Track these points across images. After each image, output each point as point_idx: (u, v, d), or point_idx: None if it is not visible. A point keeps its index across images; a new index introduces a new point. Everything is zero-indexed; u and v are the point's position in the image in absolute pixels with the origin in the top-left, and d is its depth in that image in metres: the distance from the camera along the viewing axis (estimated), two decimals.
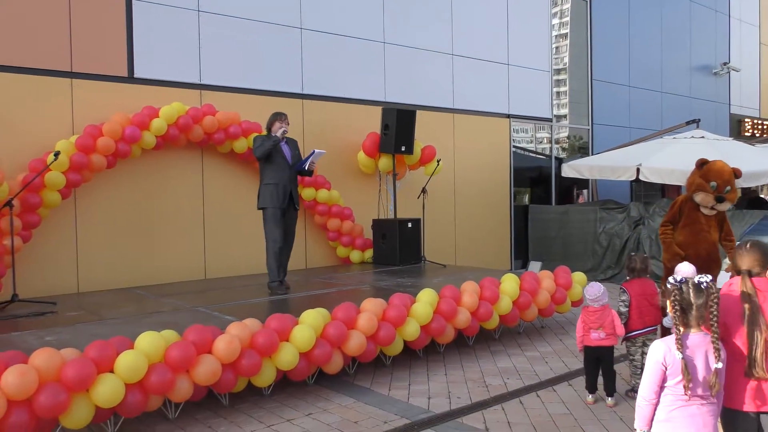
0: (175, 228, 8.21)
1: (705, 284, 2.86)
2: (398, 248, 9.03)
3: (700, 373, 2.79)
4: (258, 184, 7.20)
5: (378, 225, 9.40)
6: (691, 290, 2.85)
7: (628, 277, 5.39)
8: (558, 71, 13.63)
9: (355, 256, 9.50)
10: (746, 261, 3.05)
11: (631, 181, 13.05)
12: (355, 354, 5.56)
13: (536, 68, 12.69)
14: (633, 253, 5.59)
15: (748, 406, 2.94)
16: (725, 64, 17.70)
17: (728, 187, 6.26)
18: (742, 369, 2.99)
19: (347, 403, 5.24)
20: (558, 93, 13.76)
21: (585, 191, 14.18)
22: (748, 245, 3.11)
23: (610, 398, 5.11)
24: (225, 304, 6.37)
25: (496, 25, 11.90)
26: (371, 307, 5.75)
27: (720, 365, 2.78)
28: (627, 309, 5.16)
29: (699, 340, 2.83)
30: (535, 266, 11.37)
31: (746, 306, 2.94)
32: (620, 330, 5.09)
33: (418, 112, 9.82)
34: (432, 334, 6.21)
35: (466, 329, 6.53)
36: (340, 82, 9.70)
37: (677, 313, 2.85)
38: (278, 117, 7.16)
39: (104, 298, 6.99)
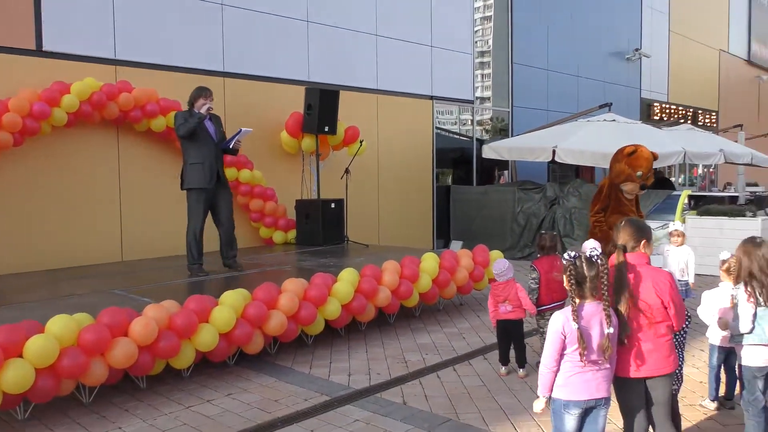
0: (90, 209, 7.93)
1: (596, 257, 3.08)
2: (321, 229, 9.06)
3: (595, 340, 3.02)
4: (180, 163, 7.01)
5: (301, 205, 9.40)
6: (584, 264, 3.07)
7: (538, 255, 5.65)
8: (481, 54, 13.89)
9: (279, 236, 9.47)
10: (621, 237, 3.35)
11: (548, 162, 13.52)
12: (276, 334, 5.60)
13: (459, 51, 12.89)
14: (543, 232, 5.85)
15: (632, 372, 3.19)
16: (637, 50, 18.47)
17: (650, 174, 6.63)
18: (624, 338, 3.25)
19: (268, 382, 5.28)
20: (481, 75, 14.04)
21: (506, 172, 14.60)
22: (623, 223, 3.42)
23: (521, 369, 5.37)
24: (143, 286, 6.25)
25: (420, 6, 12.00)
26: (292, 287, 5.78)
27: (611, 330, 3.02)
28: (537, 286, 5.41)
29: (593, 310, 3.06)
30: (456, 245, 11.66)
31: (616, 277, 3.19)
32: (527, 304, 5.33)
33: (342, 93, 9.83)
34: (353, 312, 6.31)
35: (386, 307, 6.67)
36: (262, 61, 9.57)
37: (573, 286, 3.05)
38: (202, 93, 6.83)
39: (16, 281, 6.71)
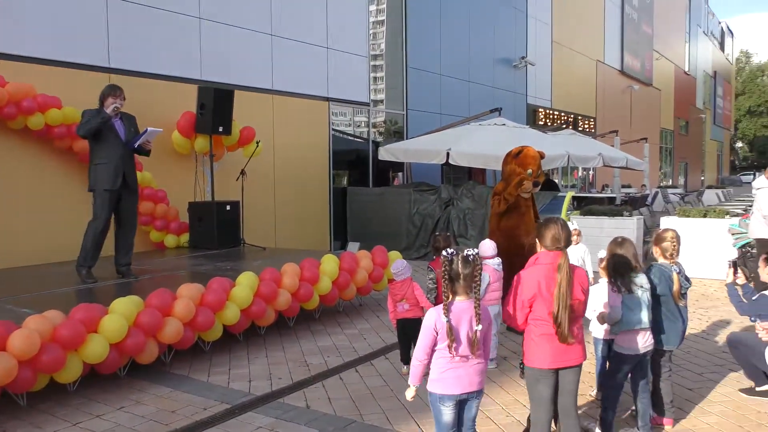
0: None
1: (471, 257, 3.21)
2: (216, 231, 8.79)
3: (465, 336, 3.16)
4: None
5: (194, 208, 9.08)
6: (460, 262, 3.18)
7: (434, 256, 5.76)
8: (375, 57, 14.02)
9: (171, 240, 9.09)
10: (563, 237, 3.55)
11: (442, 165, 13.86)
12: (171, 342, 5.36)
13: (355, 53, 12.95)
14: (437, 233, 5.99)
15: (548, 364, 3.39)
16: (523, 58, 19.36)
17: (540, 171, 6.92)
18: (542, 332, 3.42)
19: (164, 392, 5.05)
20: (375, 78, 14.17)
21: (400, 174, 14.82)
22: (560, 222, 3.60)
23: None
24: (23, 296, 5.79)
25: (316, 8, 11.94)
26: (188, 292, 5.56)
27: (480, 327, 3.17)
28: (434, 286, 5.51)
29: (465, 307, 3.20)
30: (353, 247, 11.69)
31: (564, 278, 3.41)
32: (424, 302, 5.43)
33: (237, 93, 9.60)
34: (252, 317, 6.16)
35: (286, 311, 6.56)
36: (152, 58, 9.15)
37: (446, 282, 3.16)
38: (112, 91, 6.45)
39: None
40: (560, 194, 11.73)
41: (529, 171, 6.78)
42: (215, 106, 8.99)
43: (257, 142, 9.73)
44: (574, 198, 13.15)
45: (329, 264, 7.02)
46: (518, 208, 6.86)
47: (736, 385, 5.23)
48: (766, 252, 5.09)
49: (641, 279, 4.18)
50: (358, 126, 13.83)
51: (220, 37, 10.13)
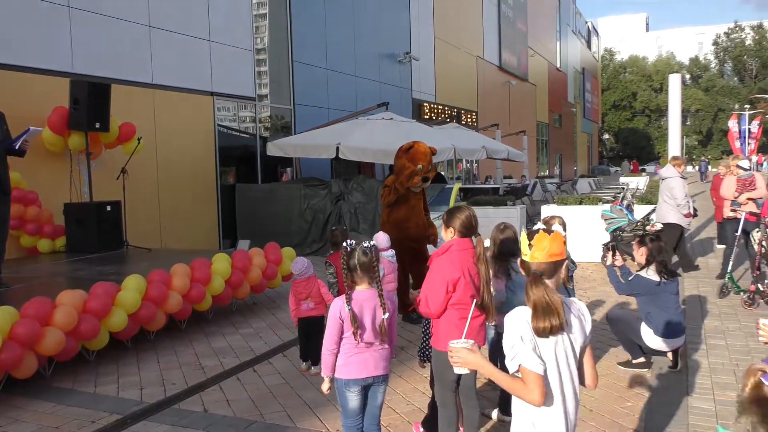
0: None
1: (369, 248, 3.31)
2: (96, 234, 8.29)
3: (369, 323, 3.25)
4: None
5: (71, 209, 8.51)
6: (358, 253, 3.26)
7: (331, 251, 5.75)
8: (259, 51, 13.75)
9: (44, 245, 8.48)
10: (476, 224, 3.69)
11: (331, 159, 13.84)
12: (52, 353, 5.01)
13: (238, 46, 12.64)
14: (334, 228, 5.98)
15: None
16: (407, 53, 19.69)
17: (430, 167, 7.05)
18: (462, 316, 3.51)
19: (45, 408, 4.70)
20: (260, 72, 13.90)
21: (289, 169, 14.65)
22: (472, 211, 3.73)
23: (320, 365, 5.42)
24: None
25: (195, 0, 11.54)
26: (69, 299, 5.21)
27: (386, 315, 3.28)
28: (335, 280, 5.50)
29: (368, 295, 3.29)
30: (244, 244, 11.42)
31: (484, 262, 3.59)
32: (329, 298, 5.41)
33: (115, 87, 9.07)
34: (141, 321, 5.88)
35: (178, 313, 6.32)
36: (15, 49, 8.47)
37: (345, 272, 3.23)
38: None
39: None
40: (448, 186, 12.07)
41: (420, 166, 6.91)
42: (90, 101, 8.46)
43: (138, 139, 9.27)
44: (460, 189, 13.57)
45: (221, 263, 6.82)
46: (408, 201, 6.99)
47: (614, 358, 5.62)
48: (651, 236, 5.48)
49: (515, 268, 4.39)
50: (244, 121, 13.52)
51: (92, 27, 9.55)
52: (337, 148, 11.59)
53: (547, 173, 36.14)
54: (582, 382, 2.49)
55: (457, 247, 3.61)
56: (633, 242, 6.03)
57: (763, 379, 1.74)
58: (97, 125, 8.63)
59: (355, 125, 12.99)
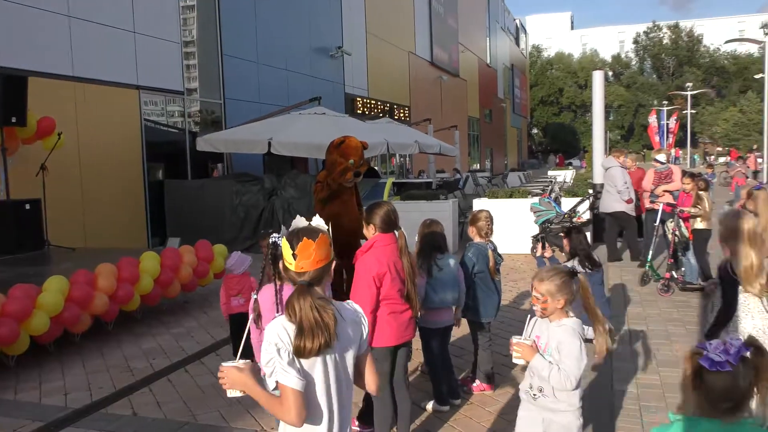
0: None
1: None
2: (15, 234, 7.90)
3: None
4: None
5: None
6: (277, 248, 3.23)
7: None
8: (187, 43, 13.41)
9: None
10: (396, 219, 3.75)
11: (264, 155, 13.66)
12: None
13: (165, 38, 12.28)
14: (263, 231, 5.93)
15: (394, 341, 3.61)
16: (339, 48, 19.62)
17: (362, 161, 7.04)
18: (391, 311, 3.55)
19: None
20: (188, 66, 13.56)
21: (220, 165, 14.37)
22: (392, 206, 3.80)
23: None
24: None
25: None
26: None
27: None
28: None
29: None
30: (173, 242, 11.13)
31: (407, 256, 3.63)
32: None
33: (32, 80, 8.64)
34: (65, 324, 5.66)
35: (104, 314, 6.11)
36: None
37: (272, 265, 3.19)
38: None
39: None
40: (381, 181, 12.12)
41: (351, 161, 6.91)
42: (5, 94, 8.02)
43: (59, 134, 8.87)
44: (394, 184, 13.65)
45: (150, 261, 6.64)
46: (341, 196, 6.97)
47: None
48: (574, 228, 5.68)
49: (446, 260, 4.44)
50: (173, 116, 13.16)
51: (7, 17, 9.07)
52: (269, 143, 11.44)
53: (478, 167, 36.79)
54: (362, 387, 2.34)
55: (381, 243, 3.64)
56: (561, 234, 6.23)
57: (702, 363, 1.82)
58: (13, 120, 8.19)
59: (288, 120, 12.86)
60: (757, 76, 38.87)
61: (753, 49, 61.81)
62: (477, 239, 4.91)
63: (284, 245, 2.16)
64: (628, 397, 4.56)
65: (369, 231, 3.78)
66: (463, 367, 5.20)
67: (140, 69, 11.59)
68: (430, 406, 4.47)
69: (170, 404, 4.60)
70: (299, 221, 2.27)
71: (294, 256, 2.13)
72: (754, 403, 1.84)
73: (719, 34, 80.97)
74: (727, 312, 3.62)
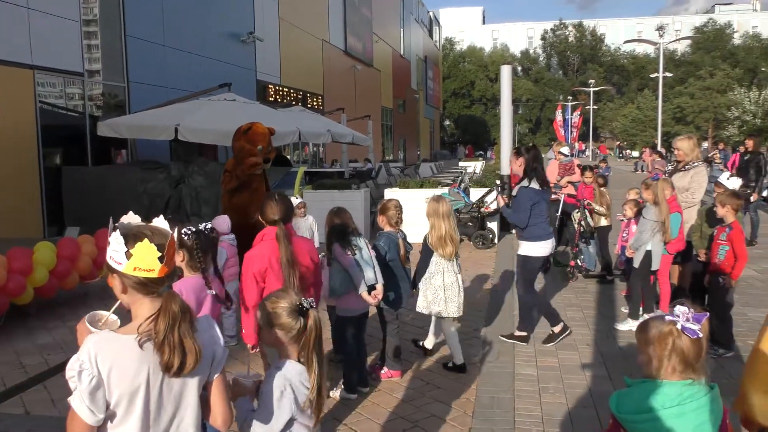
0: None
1: (208, 231, 3.28)
2: None
3: (207, 309, 3.15)
4: None
5: None
6: (203, 236, 3.23)
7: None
8: (88, 22, 12.73)
9: None
10: (276, 210, 3.57)
11: (170, 141, 13.20)
12: None
13: (62, 16, 11.59)
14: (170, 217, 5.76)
15: None
16: (251, 33, 19.19)
17: (270, 147, 6.93)
18: None
19: None
20: (90, 46, 12.88)
21: (123, 151, 13.77)
22: (276, 197, 3.67)
23: None
24: None
25: None
26: None
27: (214, 292, 3.21)
28: None
29: (196, 282, 3.19)
30: (72, 232, 10.57)
31: (283, 249, 3.42)
32: None
33: None
34: None
35: None
36: None
37: (200, 257, 3.13)
38: None
39: None
40: (292, 170, 12.00)
41: (259, 147, 6.80)
42: None
43: None
44: (306, 173, 13.55)
45: (44, 252, 6.29)
46: (250, 185, 6.86)
47: None
48: (526, 147, 5.87)
49: (360, 242, 4.48)
50: (72, 99, 12.48)
51: None
52: (176, 129, 11.05)
53: (391, 157, 37.09)
54: (207, 418, 1.97)
55: (268, 236, 3.62)
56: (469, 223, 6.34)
57: (686, 333, 1.95)
58: None
59: (196, 106, 12.47)
60: (652, 76, 41.17)
61: (650, 49, 65.47)
62: (387, 228, 4.95)
63: (145, 247, 1.82)
64: (528, 380, 4.75)
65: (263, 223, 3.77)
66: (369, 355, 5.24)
67: (35, 48, 10.90)
68: (337, 394, 4.48)
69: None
70: (132, 217, 2.02)
71: (162, 258, 1.83)
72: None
73: (620, 34, 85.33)
74: (423, 269, 4.86)
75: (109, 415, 1.79)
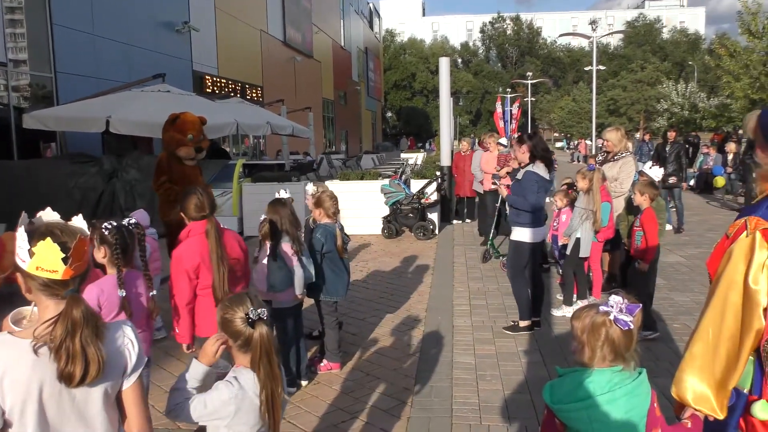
0: None
1: (132, 226, 3.19)
2: None
3: (139, 306, 3.11)
4: None
5: None
6: (126, 233, 3.13)
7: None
8: (12, 10, 12.15)
9: None
10: (206, 205, 3.51)
11: (102, 134, 12.77)
12: None
13: None
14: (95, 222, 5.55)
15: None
16: (186, 23, 18.71)
17: (201, 136, 6.75)
18: (209, 302, 3.43)
19: None
20: (14, 35, 12.30)
21: (53, 144, 13.24)
22: (200, 191, 3.61)
23: None
24: None
25: None
26: None
27: (155, 292, 3.20)
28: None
29: (134, 277, 3.14)
30: None
31: (211, 243, 3.36)
32: None
33: None
34: None
35: None
36: None
37: (118, 254, 3.03)
38: None
39: None
40: (231, 162, 11.79)
41: (190, 136, 6.63)
42: None
43: None
44: (245, 165, 13.34)
45: None
46: (184, 178, 6.69)
47: (390, 324, 5.95)
48: (529, 134, 5.90)
49: (288, 243, 4.41)
50: None
51: None
52: (107, 122, 10.68)
53: (333, 149, 36.94)
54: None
55: (195, 232, 3.56)
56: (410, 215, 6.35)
57: (618, 325, 2.00)
58: None
59: (128, 97, 12.07)
60: (587, 68, 42.30)
61: (584, 43, 67.23)
62: (324, 220, 4.91)
63: (47, 246, 1.69)
64: (466, 368, 4.82)
65: (186, 218, 3.68)
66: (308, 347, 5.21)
67: None
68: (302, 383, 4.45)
69: None
70: (49, 213, 1.89)
71: (67, 259, 1.70)
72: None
73: (556, 27, 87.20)
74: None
75: (7, 423, 1.68)
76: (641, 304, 2.08)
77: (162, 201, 6.63)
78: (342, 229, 4.96)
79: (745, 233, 2.02)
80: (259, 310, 2.10)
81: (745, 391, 2.07)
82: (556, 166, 9.26)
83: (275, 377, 2.09)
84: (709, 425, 2.11)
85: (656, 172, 5.85)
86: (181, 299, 3.50)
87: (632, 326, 2.02)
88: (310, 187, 5.45)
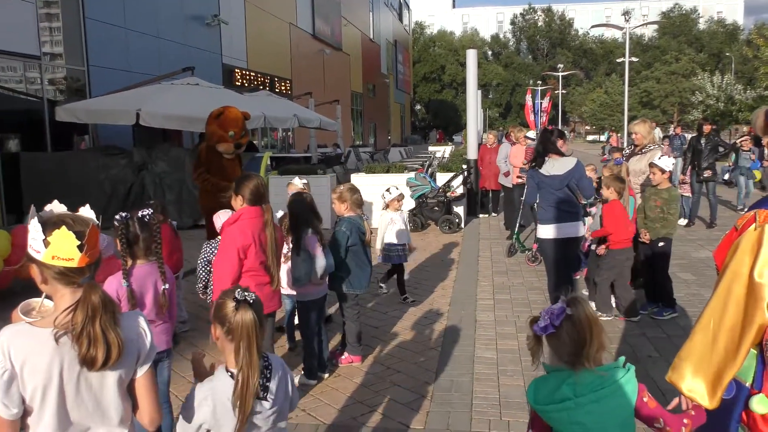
0: None
1: (148, 218, 3.16)
2: None
3: (150, 300, 3.11)
4: None
5: None
6: (136, 224, 3.10)
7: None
8: (48, 4, 12.38)
9: None
10: (264, 192, 3.79)
11: (133, 126, 12.97)
12: None
13: None
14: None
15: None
16: (216, 16, 18.87)
17: (243, 132, 6.83)
18: (257, 282, 3.75)
19: None
20: (49, 29, 12.54)
21: (86, 137, 13.48)
22: (261, 180, 3.79)
23: None
24: None
25: None
26: None
27: (167, 286, 3.16)
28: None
29: (148, 270, 3.13)
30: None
31: (269, 230, 3.69)
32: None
33: None
34: None
35: None
36: None
37: (125, 246, 3.05)
38: None
39: None
40: (258, 155, 11.87)
41: (231, 133, 6.70)
42: None
43: None
44: (272, 158, 13.42)
45: None
46: (223, 171, 6.77)
47: (413, 318, 5.94)
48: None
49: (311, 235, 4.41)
50: (31, 83, 12.16)
51: None
52: (138, 115, 10.84)
53: (361, 142, 36.97)
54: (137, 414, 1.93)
55: (247, 215, 3.63)
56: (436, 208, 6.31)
57: (534, 330, 2.07)
58: None
59: (158, 90, 12.24)
60: (619, 60, 41.58)
61: (617, 34, 66.11)
62: (348, 213, 4.91)
63: (63, 234, 1.74)
64: (487, 363, 4.79)
65: (237, 202, 3.77)
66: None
67: None
68: (297, 379, 4.47)
69: None
70: (57, 205, 1.93)
71: (82, 246, 1.75)
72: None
73: (588, 18, 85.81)
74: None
75: (27, 410, 1.74)
76: (565, 306, 2.06)
77: (201, 190, 6.75)
78: (367, 219, 4.98)
79: (753, 226, 1.98)
80: (247, 293, 2.09)
81: (747, 384, 2.04)
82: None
83: (253, 365, 2.04)
84: (711, 416, 2.08)
85: (666, 162, 5.73)
86: (230, 274, 3.56)
87: (546, 332, 2.03)
88: (297, 181, 5.52)
